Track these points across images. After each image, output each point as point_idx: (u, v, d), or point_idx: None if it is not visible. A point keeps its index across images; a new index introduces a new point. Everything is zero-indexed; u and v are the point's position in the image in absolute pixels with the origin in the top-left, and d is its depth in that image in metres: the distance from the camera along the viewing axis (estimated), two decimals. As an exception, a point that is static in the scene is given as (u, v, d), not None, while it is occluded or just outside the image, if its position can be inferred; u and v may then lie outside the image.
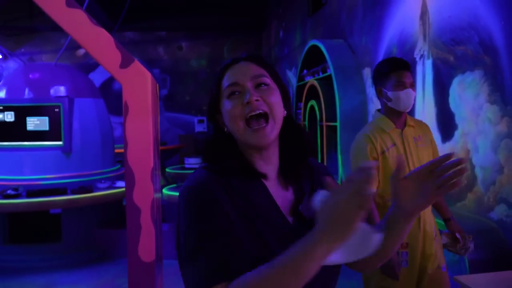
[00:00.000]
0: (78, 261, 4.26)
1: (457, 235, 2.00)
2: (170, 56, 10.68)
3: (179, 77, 10.56)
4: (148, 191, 2.22)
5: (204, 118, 10.69)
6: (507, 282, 1.83)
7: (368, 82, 4.71)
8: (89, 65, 9.66)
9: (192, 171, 4.51)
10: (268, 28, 10.26)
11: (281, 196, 0.94)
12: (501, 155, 2.64)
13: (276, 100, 0.92)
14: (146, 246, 2.25)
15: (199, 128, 10.71)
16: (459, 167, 0.79)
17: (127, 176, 2.21)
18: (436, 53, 3.40)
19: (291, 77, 7.96)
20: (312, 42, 5.54)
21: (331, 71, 4.94)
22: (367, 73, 4.72)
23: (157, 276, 2.40)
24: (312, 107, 5.70)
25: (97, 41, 2.07)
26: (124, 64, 2.11)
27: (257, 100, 0.89)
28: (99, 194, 4.37)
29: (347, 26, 5.28)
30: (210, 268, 0.78)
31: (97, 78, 8.44)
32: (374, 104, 4.56)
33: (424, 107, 3.61)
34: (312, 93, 5.64)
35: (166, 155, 8.78)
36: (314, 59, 5.74)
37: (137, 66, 2.13)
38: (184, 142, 10.10)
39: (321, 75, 5.34)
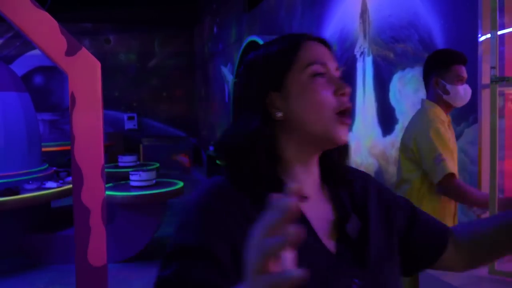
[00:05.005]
0: (6, 269, 3.88)
1: None
2: (97, 49, 10.12)
3: (107, 72, 9.98)
4: (99, 190, 2.06)
5: (135, 115, 10.29)
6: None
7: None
8: (6, 57, 8.86)
9: (129, 169, 4.20)
10: (201, 23, 10.10)
11: (319, 216, 0.75)
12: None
13: None
14: (97, 250, 2.08)
15: (129, 125, 10.29)
16: None
17: (75, 175, 2.03)
18: (376, 50, 3.54)
19: (227, 73, 7.90)
20: (251, 38, 5.53)
21: (271, 67, 4.95)
22: (307, 69, 4.80)
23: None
24: (251, 103, 5.69)
25: (39, 25, 1.87)
26: (71, 51, 1.93)
27: (348, 95, 0.75)
28: (27, 196, 4.00)
29: (286, 22, 5.33)
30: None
31: (16, 71, 7.73)
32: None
33: (365, 102, 3.75)
34: (251, 89, 5.63)
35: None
36: (252, 55, 5.74)
37: (85, 54, 1.97)
38: (113, 140, 9.64)
39: (260, 71, 5.35)
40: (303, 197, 0.73)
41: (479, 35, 2.20)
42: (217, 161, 0.78)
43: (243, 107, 0.77)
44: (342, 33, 4.06)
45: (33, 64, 9.23)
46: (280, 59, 0.75)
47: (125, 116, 10.27)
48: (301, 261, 0.62)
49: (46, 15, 1.90)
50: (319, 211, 0.76)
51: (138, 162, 6.11)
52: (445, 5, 2.78)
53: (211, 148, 8.69)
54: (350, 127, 0.76)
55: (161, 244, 4.57)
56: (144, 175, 4.28)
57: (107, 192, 4.13)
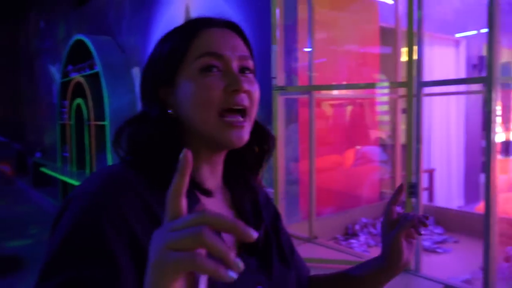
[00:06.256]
0: None
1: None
2: None
3: None
4: None
5: None
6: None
7: (137, 81, 4.72)
8: None
9: None
10: (26, 17, 9.12)
11: None
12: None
13: (258, 95, 0.68)
14: None
15: None
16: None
17: None
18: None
19: (55, 72, 7.29)
20: (78, 37, 5.21)
21: (99, 68, 4.74)
22: (136, 72, 4.73)
23: None
24: (78, 105, 5.37)
25: None
26: None
27: (245, 92, 0.65)
28: None
29: (115, 23, 5.16)
30: None
31: None
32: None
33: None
34: (79, 91, 5.31)
35: None
36: (81, 55, 5.40)
37: None
38: None
39: (88, 72, 5.07)
40: (208, 192, 0.67)
41: (273, 47, 2.45)
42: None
43: (143, 100, 0.69)
44: (168, 38, 4.11)
45: None
46: (172, 51, 0.66)
47: None
48: None
49: None
50: (221, 212, 0.68)
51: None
52: (255, 17, 3.04)
53: (37, 154, 7.89)
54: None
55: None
56: None
57: None
